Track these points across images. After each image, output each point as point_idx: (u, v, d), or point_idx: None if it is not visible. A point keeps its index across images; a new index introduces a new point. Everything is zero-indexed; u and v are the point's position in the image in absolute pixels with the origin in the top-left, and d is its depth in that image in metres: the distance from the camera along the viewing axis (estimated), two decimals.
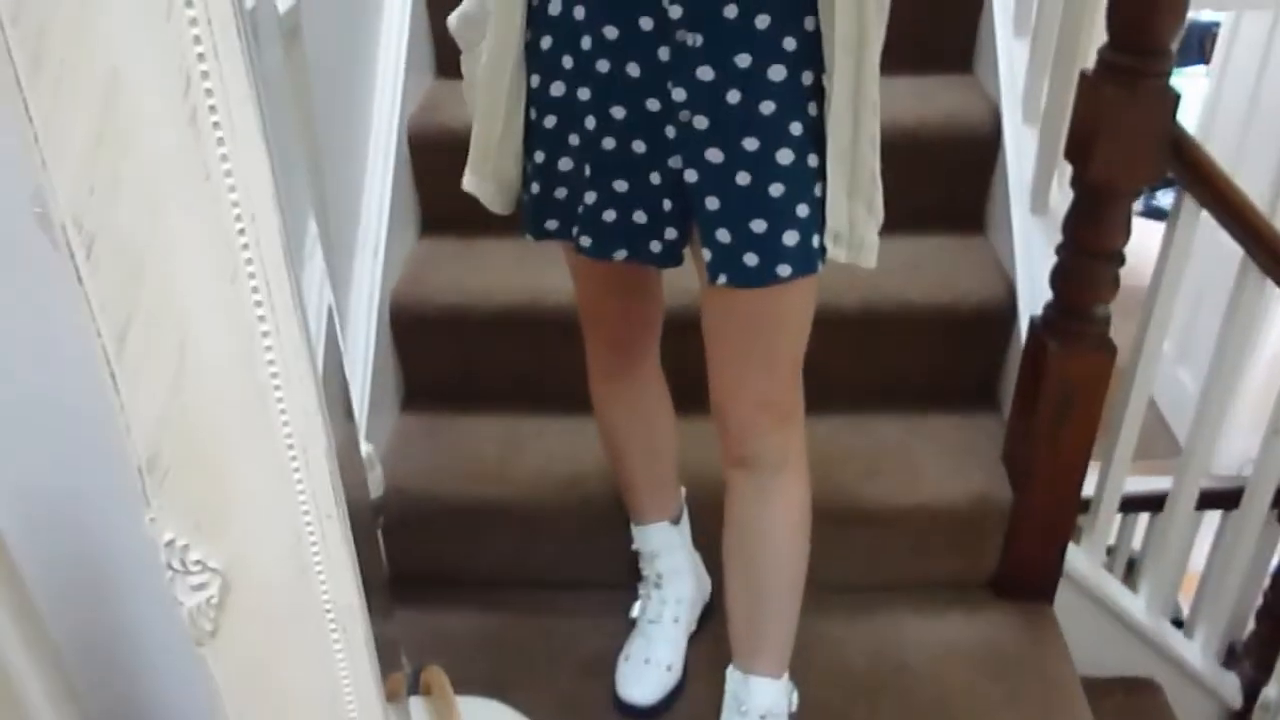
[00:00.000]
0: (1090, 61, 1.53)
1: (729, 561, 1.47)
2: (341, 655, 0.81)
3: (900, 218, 1.33)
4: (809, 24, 1.12)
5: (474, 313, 2.01)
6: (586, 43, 1.17)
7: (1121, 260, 1.61)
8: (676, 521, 1.72)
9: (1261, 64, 3.26)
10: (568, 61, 1.20)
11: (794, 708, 1.55)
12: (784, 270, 1.17)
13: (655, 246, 1.25)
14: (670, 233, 1.23)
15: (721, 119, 1.13)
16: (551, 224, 1.30)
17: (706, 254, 1.19)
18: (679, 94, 1.14)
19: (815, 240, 1.18)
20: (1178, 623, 2.30)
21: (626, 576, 1.88)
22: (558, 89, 1.22)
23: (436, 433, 2.00)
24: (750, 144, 1.14)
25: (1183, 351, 3.45)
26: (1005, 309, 1.92)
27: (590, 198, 1.23)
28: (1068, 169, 1.60)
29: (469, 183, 1.32)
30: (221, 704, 0.79)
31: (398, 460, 1.94)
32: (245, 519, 0.73)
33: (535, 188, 1.29)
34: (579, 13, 1.17)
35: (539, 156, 1.27)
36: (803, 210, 1.16)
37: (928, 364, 1.98)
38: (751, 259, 1.18)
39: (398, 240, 2.04)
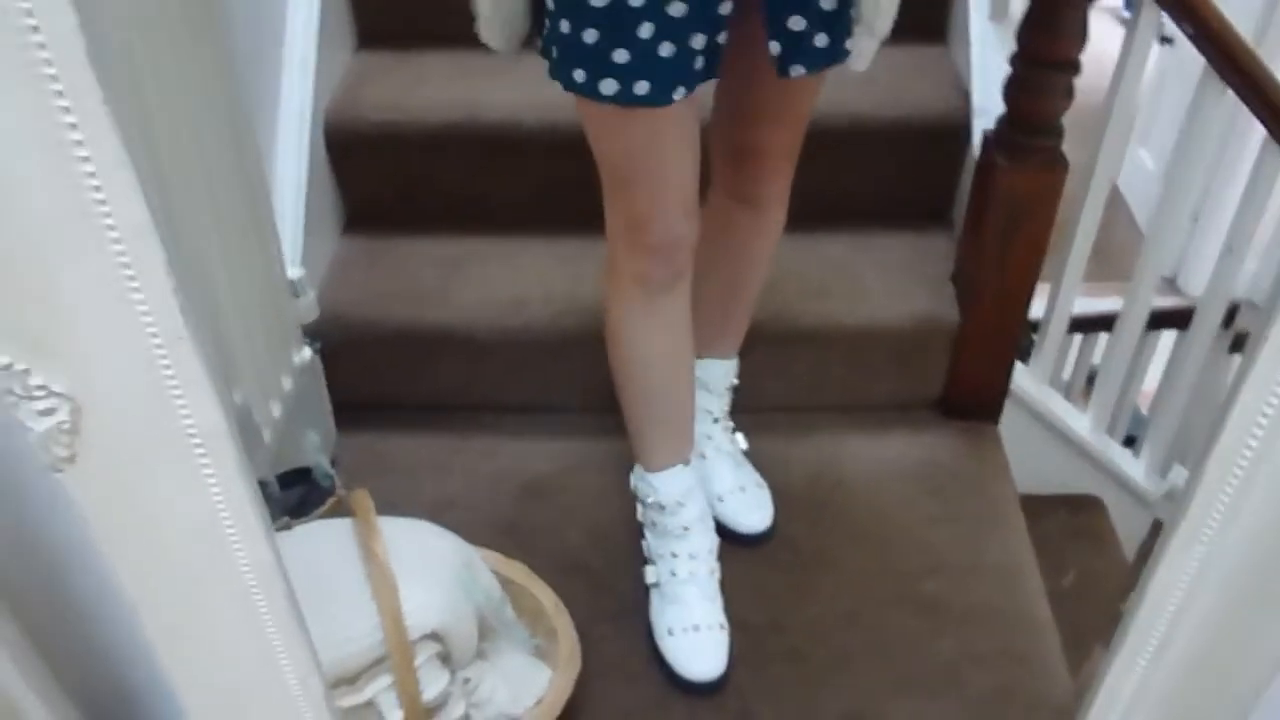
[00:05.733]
0: None
1: (711, 273, 1.50)
2: (213, 479, 0.79)
3: None
4: None
5: (412, 130, 1.93)
6: None
7: (1076, 70, 1.53)
8: (689, 460, 1.53)
9: None
10: None
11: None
12: (850, 44, 1.21)
13: (699, 63, 1.16)
14: (722, 36, 1.17)
15: None
16: (579, 74, 1.14)
17: (775, 47, 1.18)
18: None
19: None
20: (1133, 440, 2.32)
21: (571, 399, 1.87)
22: None
23: (377, 256, 1.95)
24: None
25: (1144, 135, 3.36)
26: (960, 123, 1.85)
27: (645, 31, 1.10)
28: None
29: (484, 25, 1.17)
30: (91, 532, 0.78)
31: (338, 285, 1.90)
32: (89, 343, 0.70)
33: (564, 26, 1.12)
34: None
35: None
36: None
37: (878, 181, 1.93)
38: (822, 39, 1.19)
39: (330, 55, 1.95)
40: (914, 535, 1.70)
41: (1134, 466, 2.12)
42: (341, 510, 1.46)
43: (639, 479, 1.52)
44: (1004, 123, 1.62)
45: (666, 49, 1.11)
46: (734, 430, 1.72)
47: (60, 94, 0.60)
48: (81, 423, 0.72)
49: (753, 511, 1.66)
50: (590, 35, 1.10)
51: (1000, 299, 1.73)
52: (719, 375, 1.65)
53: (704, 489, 1.66)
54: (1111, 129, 1.68)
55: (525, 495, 1.76)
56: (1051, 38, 1.50)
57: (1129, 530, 2.11)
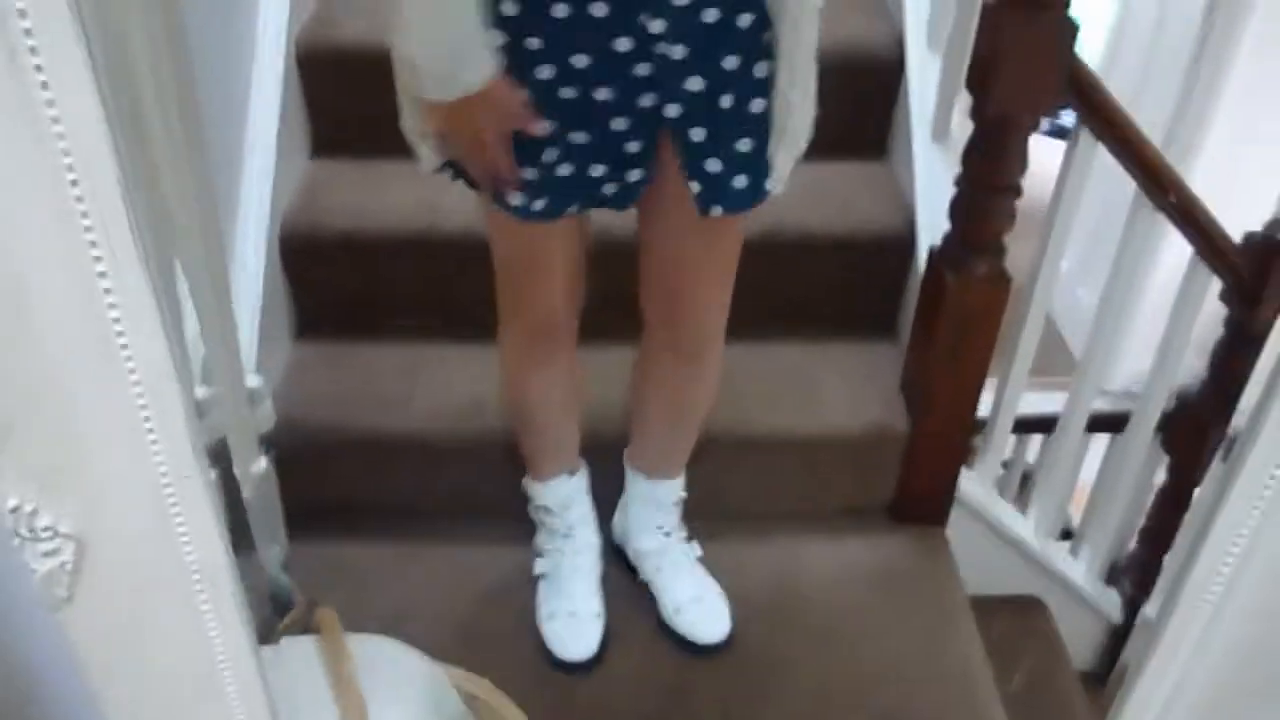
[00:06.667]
0: None
1: (650, 414, 1.59)
2: (210, 615, 0.78)
3: None
4: None
5: (370, 237, 1.95)
6: None
7: (1018, 193, 1.61)
8: (575, 472, 1.68)
9: None
10: (510, 7, 1.10)
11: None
12: (771, 185, 1.23)
13: (610, 189, 1.23)
14: (633, 175, 1.23)
15: (700, 43, 1.13)
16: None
17: (695, 187, 1.21)
18: (657, 25, 1.10)
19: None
20: (1069, 533, 2.38)
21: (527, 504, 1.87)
22: (500, 37, 1.11)
23: (333, 362, 1.95)
24: (730, 63, 1.14)
25: (1084, 270, 3.50)
26: (904, 238, 1.92)
27: (550, 155, 1.18)
28: (969, 99, 1.59)
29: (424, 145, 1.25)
30: (84, 671, 0.77)
31: (293, 391, 1.89)
32: (98, 481, 0.69)
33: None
34: None
35: None
36: (768, 122, 1.20)
37: (828, 292, 1.98)
38: (741, 181, 1.21)
39: (288, 163, 1.96)
40: (869, 640, 1.72)
41: (1074, 568, 2.17)
42: (301, 624, 1.44)
43: (528, 483, 1.67)
44: (950, 240, 1.69)
45: (565, 169, 1.19)
46: (688, 539, 1.74)
47: (91, 235, 0.61)
48: (84, 563, 0.71)
49: (712, 622, 1.67)
50: None
51: (948, 409, 1.78)
52: (665, 493, 1.69)
53: (661, 601, 1.67)
54: (1050, 252, 1.76)
55: (484, 601, 1.75)
56: (994, 164, 1.58)
57: (1072, 631, 2.15)
